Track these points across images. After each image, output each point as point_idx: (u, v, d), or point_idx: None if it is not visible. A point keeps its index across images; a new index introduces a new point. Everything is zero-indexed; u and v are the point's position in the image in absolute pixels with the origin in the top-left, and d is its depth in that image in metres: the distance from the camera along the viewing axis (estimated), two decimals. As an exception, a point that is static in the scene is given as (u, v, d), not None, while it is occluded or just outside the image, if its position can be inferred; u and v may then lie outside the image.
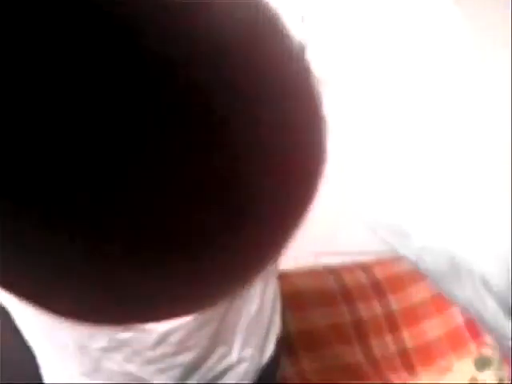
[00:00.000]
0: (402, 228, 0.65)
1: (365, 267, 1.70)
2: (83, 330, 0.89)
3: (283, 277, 1.61)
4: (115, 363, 0.90)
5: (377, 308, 1.62)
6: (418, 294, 1.64)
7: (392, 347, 1.59)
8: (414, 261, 0.66)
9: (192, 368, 0.94)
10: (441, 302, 1.62)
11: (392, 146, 0.64)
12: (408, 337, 1.62)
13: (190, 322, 0.87)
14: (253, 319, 1.00)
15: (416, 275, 1.67)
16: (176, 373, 0.92)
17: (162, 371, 0.92)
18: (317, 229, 2.46)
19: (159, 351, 0.89)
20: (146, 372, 0.91)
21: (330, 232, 2.46)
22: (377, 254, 2.04)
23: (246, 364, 1.00)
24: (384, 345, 1.60)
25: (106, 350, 0.90)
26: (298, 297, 1.58)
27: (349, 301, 1.61)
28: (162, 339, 0.87)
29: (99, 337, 0.89)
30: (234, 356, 0.99)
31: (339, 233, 2.45)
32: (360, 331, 1.58)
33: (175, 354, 0.90)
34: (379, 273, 1.67)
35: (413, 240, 0.64)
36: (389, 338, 1.61)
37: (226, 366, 0.99)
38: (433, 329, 1.61)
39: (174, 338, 0.88)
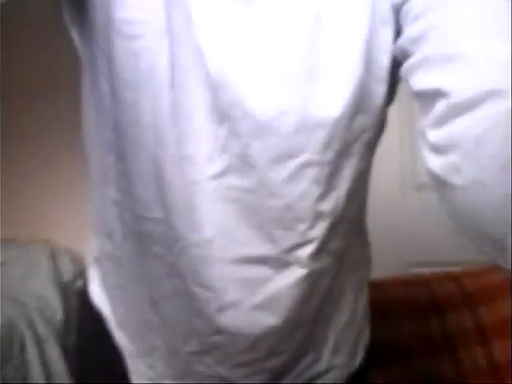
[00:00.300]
0: (503, 243, 0.65)
1: (455, 278, 1.69)
2: (175, 333, 0.91)
3: (373, 285, 1.63)
4: (206, 366, 0.91)
5: (467, 320, 1.61)
6: (508, 306, 1.62)
7: (482, 360, 1.58)
8: None
9: (281, 373, 0.94)
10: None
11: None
12: (498, 350, 1.60)
13: (282, 327, 0.87)
14: (344, 328, 1.00)
15: (507, 288, 1.65)
16: (264, 377, 0.92)
17: (251, 375, 0.92)
18: (408, 239, 2.50)
19: (250, 355, 0.89)
20: (235, 375, 0.92)
21: (421, 243, 2.46)
22: (467, 264, 2.02)
23: (336, 372, 1.00)
24: (473, 357, 1.59)
25: (198, 353, 0.90)
26: (387, 306, 1.59)
27: (438, 312, 1.61)
28: (254, 343, 0.87)
29: (191, 341, 0.89)
30: (323, 363, 0.99)
31: (431, 243, 2.45)
32: (449, 343, 1.57)
33: (265, 358, 0.90)
34: (470, 284, 1.66)
35: None
36: (478, 351, 1.59)
37: (315, 373, 0.99)
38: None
39: (265, 343, 0.88)
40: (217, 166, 0.78)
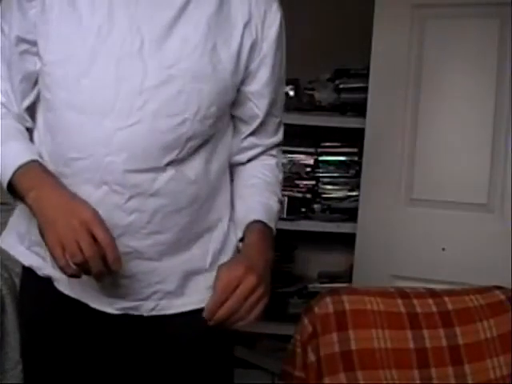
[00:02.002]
0: None
1: (436, 295, 1.69)
2: None
3: (354, 293, 1.64)
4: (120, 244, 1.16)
5: (442, 339, 1.61)
6: (486, 331, 1.62)
7: (452, 381, 1.58)
8: None
9: (172, 248, 1.25)
10: (508, 342, 1.60)
11: None
12: (470, 373, 1.60)
13: (168, 206, 1.22)
14: (220, 247, 1.32)
15: (487, 312, 1.65)
16: (161, 248, 1.23)
17: (152, 245, 1.22)
18: (394, 253, 2.52)
19: (150, 228, 1.20)
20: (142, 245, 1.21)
21: (408, 257, 2.48)
22: (451, 284, 2.03)
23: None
24: (444, 377, 1.59)
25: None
26: (365, 316, 1.60)
27: (415, 327, 1.61)
28: (150, 220, 1.21)
29: None
30: (208, 258, 1.29)
31: (417, 259, 2.47)
32: (421, 359, 1.58)
33: (159, 232, 1.22)
34: (450, 303, 1.67)
35: None
36: (450, 371, 1.60)
37: (197, 267, 1.29)
38: (496, 368, 1.59)
39: (157, 218, 1.21)
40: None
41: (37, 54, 1.21)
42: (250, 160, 1.38)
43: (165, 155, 1.19)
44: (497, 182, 2.36)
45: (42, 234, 1.14)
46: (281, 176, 1.42)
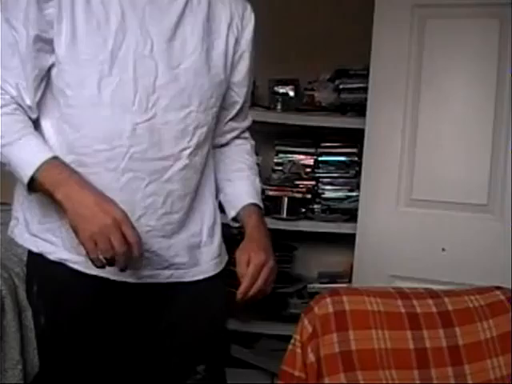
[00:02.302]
0: None
1: (436, 296, 1.69)
2: None
3: (354, 293, 1.64)
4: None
5: (442, 339, 1.61)
6: (485, 331, 1.62)
7: (451, 381, 1.58)
8: None
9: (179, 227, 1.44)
10: (508, 342, 1.60)
11: None
12: (470, 373, 1.60)
13: (178, 191, 1.41)
14: (211, 225, 1.52)
15: (487, 312, 1.65)
16: (172, 227, 1.42)
17: (166, 224, 1.41)
18: (394, 253, 2.52)
19: (163, 210, 1.40)
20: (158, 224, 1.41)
21: (407, 257, 2.48)
22: (450, 284, 2.03)
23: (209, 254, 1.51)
24: (444, 377, 1.59)
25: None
26: (365, 316, 1.60)
27: (414, 327, 1.61)
28: (165, 200, 1.40)
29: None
30: (203, 236, 1.49)
31: (415, 260, 2.46)
32: (421, 360, 1.58)
33: (170, 213, 1.41)
34: (449, 303, 1.67)
35: None
36: (450, 372, 1.60)
37: (196, 242, 1.47)
38: (496, 369, 1.58)
39: (169, 200, 1.40)
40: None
41: (51, 51, 1.31)
42: (228, 142, 1.62)
43: (178, 144, 1.38)
44: (497, 183, 2.36)
45: (74, 229, 1.26)
46: (255, 158, 1.69)
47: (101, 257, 1.24)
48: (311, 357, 1.55)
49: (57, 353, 1.44)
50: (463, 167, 2.42)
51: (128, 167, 1.34)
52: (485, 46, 2.37)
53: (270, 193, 2.98)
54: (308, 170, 3.08)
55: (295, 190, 2.98)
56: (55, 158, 1.30)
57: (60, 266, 1.36)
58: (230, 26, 1.46)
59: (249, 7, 1.51)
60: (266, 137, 3.18)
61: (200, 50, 1.39)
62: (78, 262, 1.37)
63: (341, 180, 3.05)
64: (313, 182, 3.05)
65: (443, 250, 2.40)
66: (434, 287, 1.77)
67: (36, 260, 1.42)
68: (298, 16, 3.24)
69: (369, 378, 1.53)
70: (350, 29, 3.09)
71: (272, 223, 2.97)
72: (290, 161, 3.09)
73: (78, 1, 1.29)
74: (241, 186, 1.57)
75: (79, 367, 1.42)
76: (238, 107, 1.57)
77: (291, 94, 3.05)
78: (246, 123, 1.67)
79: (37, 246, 1.41)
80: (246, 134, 1.68)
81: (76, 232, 1.26)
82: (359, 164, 2.94)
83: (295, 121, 2.97)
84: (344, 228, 2.91)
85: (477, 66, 2.41)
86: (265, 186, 3.01)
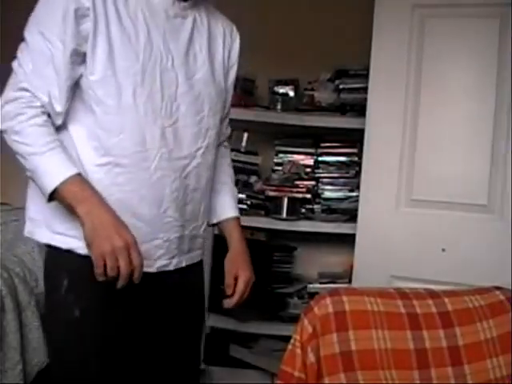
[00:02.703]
0: None
1: (436, 296, 1.69)
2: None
3: (354, 293, 1.64)
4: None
5: (442, 339, 1.61)
6: (485, 331, 1.62)
7: (452, 381, 1.58)
8: None
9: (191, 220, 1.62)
10: (508, 342, 1.60)
11: None
12: (470, 373, 1.60)
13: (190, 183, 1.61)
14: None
15: (487, 312, 1.65)
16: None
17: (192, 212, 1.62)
18: (394, 253, 2.51)
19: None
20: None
21: (406, 258, 2.48)
22: (451, 285, 2.03)
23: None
24: (444, 378, 1.59)
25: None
26: (365, 316, 1.60)
27: (415, 327, 1.61)
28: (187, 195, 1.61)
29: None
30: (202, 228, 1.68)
31: (416, 260, 2.46)
32: (421, 360, 1.58)
33: (185, 204, 1.61)
34: (450, 304, 1.67)
35: None
36: (450, 372, 1.60)
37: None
38: (496, 369, 1.58)
39: (185, 192, 1.59)
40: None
41: (82, 63, 1.45)
42: (218, 146, 1.77)
43: (194, 144, 1.58)
44: (497, 183, 2.36)
45: (89, 242, 1.39)
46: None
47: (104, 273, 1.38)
48: (311, 357, 1.55)
49: (88, 342, 1.53)
50: (463, 167, 2.42)
51: (158, 166, 1.51)
52: (485, 45, 2.37)
53: (270, 193, 2.98)
54: (308, 170, 3.08)
55: (295, 190, 2.98)
56: (79, 174, 1.43)
57: (89, 258, 1.42)
58: (224, 42, 1.70)
59: (234, 27, 1.77)
60: (266, 137, 3.19)
61: (207, 64, 1.62)
62: None
63: (341, 180, 3.05)
64: (313, 182, 3.05)
65: (443, 250, 2.40)
66: (434, 287, 1.77)
67: (63, 256, 1.54)
68: (298, 16, 3.24)
69: (369, 378, 1.53)
70: (350, 29, 3.09)
71: (272, 223, 2.97)
72: (290, 161, 3.09)
73: (112, 17, 1.45)
74: (226, 198, 1.79)
75: (109, 355, 1.54)
76: (225, 112, 1.77)
77: (291, 94, 3.05)
78: (228, 131, 1.87)
79: (66, 243, 1.52)
80: (226, 143, 1.87)
81: (89, 246, 1.39)
82: (359, 164, 2.94)
83: (295, 121, 2.97)
84: (344, 228, 2.91)
85: (477, 65, 2.41)
86: (265, 186, 3.01)
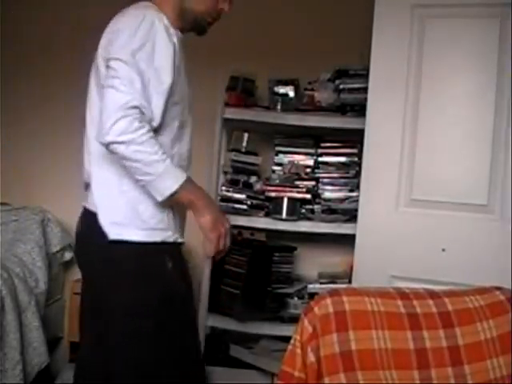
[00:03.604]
0: None
1: (436, 296, 1.69)
2: None
3: (354, 293, 1.64)
4: None
5: (442, 339, 1.61)
6: (485, 331, 1.62)
7: (452, 381, 1.58)
8: None
9: None
10: (508, 342, 1.60)
11: None
12: (470, 373, 1.60)
13: None
14: None
15: (487, 312, 1.65)
16: None
17: None
18: (394, 253, 2.51)
19: None
20: None
21: (407, 258, 2.47)
22: (451, 285, 2.03)
23: None
24: (444, 378, 1.59)
25: None
26: (365, 316, 1.60)
27: (415, 327, 1.61)
28: None
29: None
30: None
31: (416, 260, 2.46)
32: (421, 360, 1.58)
33: None
34: (450, 304, 1.67)
35: None
36: (450, 372, 1.60)
37: None
38: (496, 369, 1.59)
39: None
40: None
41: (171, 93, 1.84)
42: None
43: None
44: (497, 183, 2.36)
45: (209, 228, 1.82)
46: None
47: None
48: (311, 357, 1.55)
49: (190, 311, 1.96)
50: (463, 167, 2.42)
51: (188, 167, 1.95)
52: (485, 45, 2.37)
53: (270, 193, 2.98)
54: (308, 170, 3.08)
55: (295, 190, 2.98)
56: (189, 177, 1.80)
57: (176, 244, 1.89)
58: None
59: None
60: (266, 137, 3.19)
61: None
62: (179, 237, 1.92)
63: (341, 180, 3.04)
64: (313, 182, 3.05)
65: (443, 250, 2.40)
66: (434, 287, 1.77)
67: (160, 246, 1.85)
68: (299, 16, 3.24)
69: (369, 378, 1.53)
70: (350, 29, 3.09)
71: (272, 223, 2.97)
72: (290, 161, 3.09)
73: (178, 56, 1.83)
74: None
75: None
76: None
77: (291, 94, 3.04)
78: None
79: (159, 236, 1.85)
80: None
81: (209, 230, 1.83)
82: (359, 164, 2.94)
83: (295, 121, 2.97)
84: (344, 228, 2.90)
85: (477, 65, 2.41)
86: (265, 187, 3.01)
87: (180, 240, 1.92)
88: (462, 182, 2.41)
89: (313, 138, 3.10)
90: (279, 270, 3.10)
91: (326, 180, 3.06)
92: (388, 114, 2.50)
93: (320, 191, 3.03)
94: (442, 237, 2.42)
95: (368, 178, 2.56)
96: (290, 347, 1.60)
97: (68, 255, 3.40)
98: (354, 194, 2.95)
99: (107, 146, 1.70)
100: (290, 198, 2.95)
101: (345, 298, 1.61)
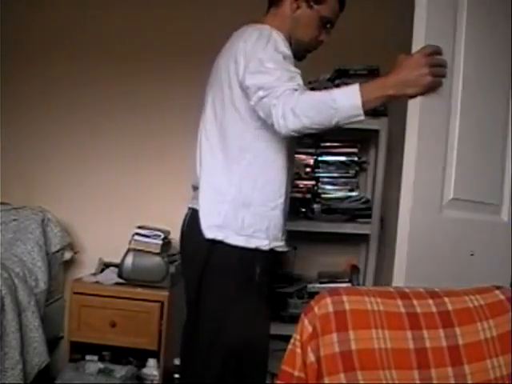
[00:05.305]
0: None
1: (436, 295, 1.69)
2: None
3: (354, 293, 1.64)
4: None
5: (442, 339, 1.61)
6: (485, 331, 1.62)
7: (452, 381, 1.58)
8: None
9: None
10: (508, 342, 1.60)
11: None
12: (470, 373, 1.60)
13: None
14: None
15: (487, 312, 1.65)
16: None
17: None
18: (434, 258, 2.34)
19: None
20: None
21: (446, 262, 2.39)
22: (452, 284, 2.02)
23: None
24: (444, 377, 1.59)
25: None
26: (365, 316, 1.60)
27: (415, 327, 1.61)
28: None
29: None
30: None
31: (450, 264, 2.36)
32: (421, 360, 1.58)
33: None
34: (450, 304, 1.67)
35: None
36: (450, 372, 1.60)
37: None
38: (496, 369, 1.58)
39: None
40: None
41: None
42: None
43: None
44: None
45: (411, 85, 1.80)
46: None
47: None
48: (311, 357, 1.55)
49: (267, 310, 2.16)
50: (497, 169, 2.25)
51: None
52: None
53: (270, 193, 2.97)
54: (308, 169, 3.08)
55: (295, 189, 2.98)
56: (360, 84, 1.82)
57: (267, 253, 2.06)
58: None
59: None
60: (265, 137, 3.18)
61: None
62: (279, 246, 2.11)
63: (341, 180, 3.05)
64: (313, 182, 3.05)
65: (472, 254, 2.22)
66: (435, 287, 1.76)
67: (253, 252, 2.04)
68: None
69: (369, 377, 1.53)
70: (351, 29, 3.09)
71: (272, 223, 2.97)
72: (289, 161, 3.08)
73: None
74: None
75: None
76: None
77: (291, 93, 3.04)
78: None
79: (256, 243, 2.03)
80: None
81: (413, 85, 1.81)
82: (359, 164, 2.94)
83: (295, 121, 2.96)
84: (344, 228, 2.91)
85: (500, 68, 2.22)
86: (265, 186, 3.01)
87: (278, 248, 2.11)
88: (495, 184, 2.26)
89: (313, 138, 3.11)
90: (279, 271, 3.11)
91: (325, 180, 3.06)
92: (431, 115, 2.16)
93: (320, 191, 3.04)
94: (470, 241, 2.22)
95: (410, 178, 2.27)
96: (289, 347, 1.60)
97: (68, 255, 3.41)
98: (354, 193, 2.96)
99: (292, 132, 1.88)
100: (290, 198, 2.95)
101: (345, 298, 1.61)
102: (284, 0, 2.16)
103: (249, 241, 2.03)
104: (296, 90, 1.87)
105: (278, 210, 2.08)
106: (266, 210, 2.05)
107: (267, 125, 1.95)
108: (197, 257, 2.06)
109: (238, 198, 2.02)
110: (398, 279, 2.13)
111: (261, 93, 1.89)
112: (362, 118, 1.82)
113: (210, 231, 2.03)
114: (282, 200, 2.10)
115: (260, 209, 2.04)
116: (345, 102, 1.80)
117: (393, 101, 1.88)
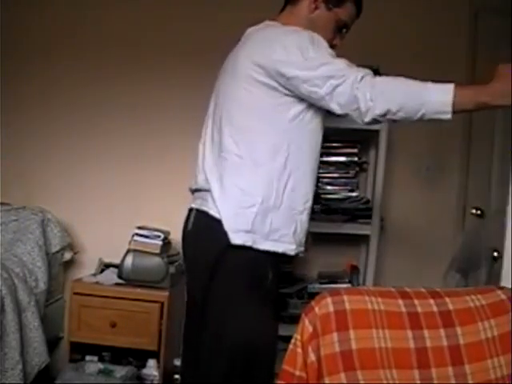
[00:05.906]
0: None
1: (437, 295, 1.69)
2: None
3: (354, 292, 1.64)
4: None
5: (443, 338, 1.61)
6: (486, 331, 1.62)
7: (452, 380, 1.58)
8: None
9: None
10: (508, 342, 1.60)
11: None
12: (471, 373, 1.60)
13: None
14: None
15: (487, 312, 1.65)
16: None
17: None
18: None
19: None
20: None
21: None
22: (452, 284, 2.02)
23: None
24: (445, 377, 1.59)
25: None
26: (365, 315, 1.60)
27: (416, 327, 1.61)
28: None
29: None
30: None
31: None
32: (422, 359, 1.58)
33: None
34: (450, 303, 1.67)
35: None
36: (450, 371, 1.60)
37: None
38: (496, 368, 1.58)
39: None
40: None
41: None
42: None
43: None
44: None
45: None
46: None
47: None
48: (312, 356, 1.55)
49: (275, 311, 2.09)
50: None
51: None
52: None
53: (270, 193, 2.97)
54: (308, 170, 3.07)
55: (295, 190, 2.98)
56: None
57: (281, 257, 2.02)
58: None
59: None
60: (266, 137, 3.18)
61: None
62: (293, 249, 2.04)
63: (341, 180, 3.05)
64: (313, 182, 3.04)
65: None
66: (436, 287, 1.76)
67: (269, 257, 1.99)
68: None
69: (369, 377, 1.53)
70: (351, 29, 3.09)
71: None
72: (290, 161, 3.08)
73: None
74: None
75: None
76: None
77: (291, 94, 3.04)
78: None
79: (280, 247, 2.00)
80: None
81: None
82: (359, 164, 2.94)
83: (295, 121, 2.96)
84: (344, 228, 2.90)
85: None
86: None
87: (291, 252, 2.05)
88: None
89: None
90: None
91: (325, 180, 3.06)
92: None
93: (320, 191, 3.04)
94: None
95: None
96: (290, 347, 1.60)
97: (68, 255, 3.41)
98: (354, 193, 2.96)
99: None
100: (290, 198, 2.95)
101: (345, 298, 1.61)
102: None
103: (277, 245, 2.00)
104: (369, 75, 1.86)
105: (306, 213, 2.06)
106: (295, 214, 2.02)
107: (298, 126, 2.01)
108: (206, 258, 2.00)
109: (268, 200, 1.97)
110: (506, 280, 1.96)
111: (333, 81, 1.88)
112: (449, 116, 1.76)
113: (237, 236, 1.95)
114: (309, 204, 2.08)
115: (289, 212, 2.00)
116: (436, 97, 1.75)
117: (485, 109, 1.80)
